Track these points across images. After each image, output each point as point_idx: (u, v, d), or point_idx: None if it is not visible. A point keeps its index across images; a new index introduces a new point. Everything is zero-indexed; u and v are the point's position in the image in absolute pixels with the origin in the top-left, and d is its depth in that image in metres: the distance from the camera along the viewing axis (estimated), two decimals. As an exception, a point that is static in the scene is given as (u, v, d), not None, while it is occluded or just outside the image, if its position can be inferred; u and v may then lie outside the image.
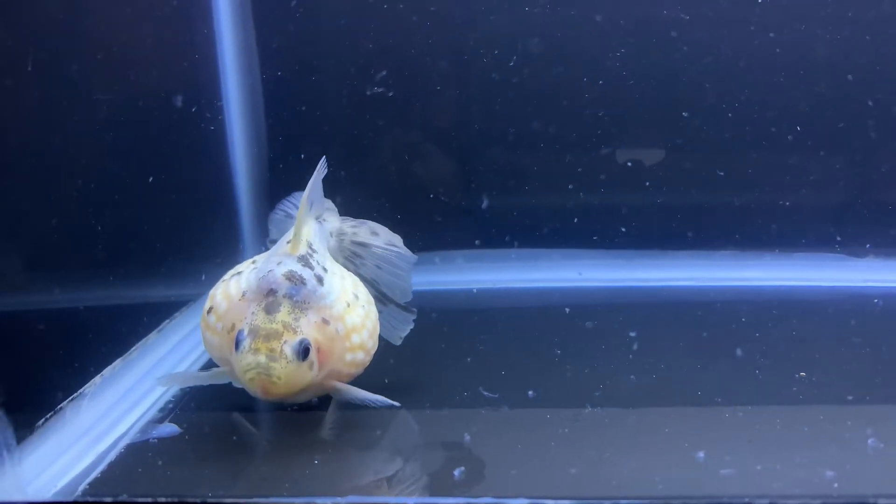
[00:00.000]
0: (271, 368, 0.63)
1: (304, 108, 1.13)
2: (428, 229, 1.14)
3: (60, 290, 0.75)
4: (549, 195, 1.15)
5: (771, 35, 1.08)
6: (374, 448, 0.68)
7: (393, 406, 0.70)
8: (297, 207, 0.78)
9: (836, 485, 0.58)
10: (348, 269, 0.77)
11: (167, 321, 0.91)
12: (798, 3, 1.08)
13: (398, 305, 0.81)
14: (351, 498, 0.58)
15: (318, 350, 0.66)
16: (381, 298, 0.80)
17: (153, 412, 0.75)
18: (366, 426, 0.71)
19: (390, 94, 1.10)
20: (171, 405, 0.77)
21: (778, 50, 1.08)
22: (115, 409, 0.75)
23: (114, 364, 0.79)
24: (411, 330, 0.81)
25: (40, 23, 0.73)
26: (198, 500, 0.59)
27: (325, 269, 0.71)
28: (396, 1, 1.08)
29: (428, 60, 1.11)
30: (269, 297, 0.66)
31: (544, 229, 1.14)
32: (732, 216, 1.13)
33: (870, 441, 0.64)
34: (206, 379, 0.72)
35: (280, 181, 1.14)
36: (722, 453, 0.63)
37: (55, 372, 0.71)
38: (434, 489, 0.61)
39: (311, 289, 0.67)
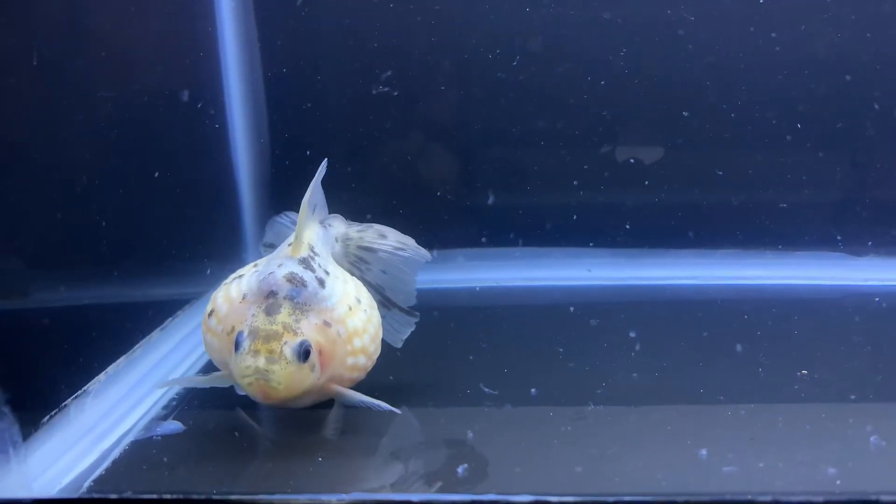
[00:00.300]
0: (270, 370, 0.62)
1: (306, 106, 1.13)
2: (430, 227, 1.14)
3: (64, 289, 0.75)
4: (551, 194, 1.15)
5: (773, 35, 1.08)
6: (377, 445, 0.68)
7: (395, 412, 0.69)
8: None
9: (838, 482, 0.59)
10: (353, 275, 0.76)
11: (170, 319, 0.91)
12: (800, 2, 1.08)
13: (401, 310, 0.80)
14: (355, 495, 0.59)
15: (320, 353, 0.65)
16: (385, 303, 0.80)
17: (157, 410, 0.75)
18: (369, 424, 0.71)
19: (395, 93, 1.10)
20: (174, 403, 0.77)
21: (778, 48, 1.08)
22: (119, 406, 0.76)
23: (117, 362, 0.79)
24: (416, 321, 0.81)
25: (43, 20, 0.73)
26: (203, 497, 0.59)
27: (326, 272, 0.70)
28: (398, -1, 1.09)
29: (430, 58, 1.11)
30: (269, 298, 0.66)
31: (547, 228, 1.14)
32: (734, 215, 1.14)
33: (872, 439, 0.65)
34: (207, 382, 0.72)
35: (282, 179, 1.14)
36: (724, 451, 0.64)
37: (59, 369, 0.71)
38: (437, 486, 0.61)
39: (313, 291, 0.67)
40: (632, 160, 1.12)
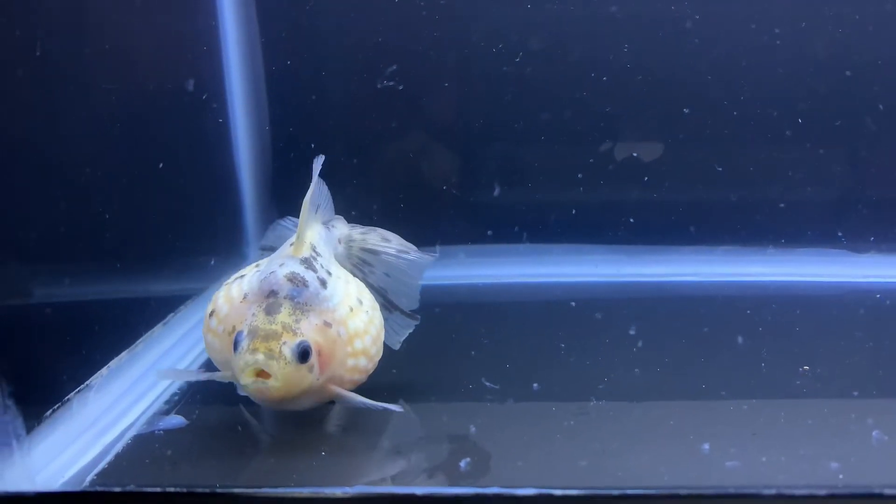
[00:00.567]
0: (269, 369, 0.62)
1: (308, 101, 1.13)
2: (432, 223, 1.14)
3: (67, 283, 0.75)
4: (552, 190, 1.15)
5: (776, 30, 1.08)
6: (380, 440, 0.68)
7: (397, 411, 0.69)
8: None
9: (841, 476, 0.59)
10: (356, 277, 0.75)
11: (172, 314, 0.91)
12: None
13: (403, 313, 0.80)
14: (358, 488, 0.59)
15: (319, 353, 0.65)
16: (387, 306, 0.79)
17: (159, 404, 0.75)
18: (371, 419, 0.71)
19: (397, 88, 1.10)
20: (176, 397, 0.77)
21: (780, 43, 1.08)
22: (122, 400, 0.76)
23: (120, 356, 0.79)
24: (416, 324, 0.81)
25: (45, 15, 0.73)
26: (206, 491, 0.59)
27: (328, 273, 0.70)
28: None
29: (433, 53, 1.11)
30: (269, 298, 0.65)
31: (548, 224, 1.14)
32: (736, 211, 1.14)
33: (874, 433, 0.65)
34: (206, 378, 0.71)
35: (284, 174, 1.14)
36: (727, 446, 0.64)
37: (62, 364, 0.71)
38: (440, 480, 0.61)
39: (314, 291, 0.67)
40: (635, 154, 1.12)
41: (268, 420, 0.74)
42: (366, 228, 0.82)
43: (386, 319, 0.76)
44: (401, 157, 1.14)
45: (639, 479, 0.60)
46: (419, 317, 0.80)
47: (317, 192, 0.74)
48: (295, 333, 0.64)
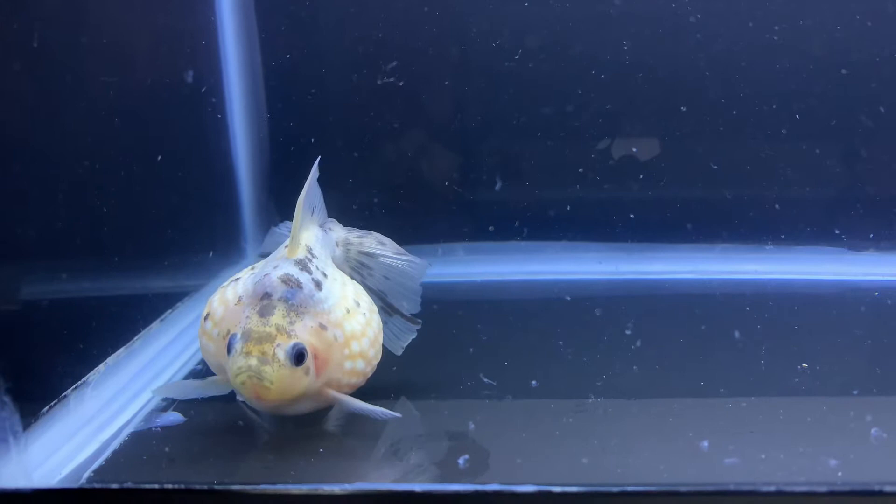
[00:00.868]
0: (262, 371, 0.61)
1: (306, 95, 1.12)
2: (430, 220, 1.14)
3: (64, 279, 0.75)
4: (550, 187, 1.14)
5: (774, 28, 1.08)
6: (378, 437, 0.68)
7: (395, 417, 0.68)
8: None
9: (840, 473, 0.59)
10: (354, 280, 0.75)
11: (169, 311, 0.91)
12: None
13: (404, 317, 0.79)
14: (357, 485, 0.58)
15: (315, 356, 0.64)
16: (387, 309, 0.78)
17: (157, 400, 0.75)
18: (370, 417, 0.70)
19: (397, 84, 1.09)
20: (174, 394, 0.77)
21: (778, 41, 1.08)
22: (119, 397, 0.76)
23: (117, 353, 0.79)
24: (418, 329, 0.80)
25: (43, 9, 0.73)
26: (204, 488, 0.59)
27: (324, 275, 0.69)
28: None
29: (432, 49, 1.11)
30: (263, 300, 0.65)
31: (546, 221, 1.14)
32: (734, 209, 1.13)
33: (873, 431, 0.65)
34: (203, 388, 0.70)
35: (282, 170, 1.14)
36: (726, 443, 0.64)
37: (59, 360, 0.71)
38: (439, 477, 0.61)
39: (308, 293, 0.66)
40: (634, 149, 1.12)
41: (266, 417, 0.74)
42: (362, 232, 0.82)
43: (386, 323, 0.75)
44: (400, 153, 1.14)
45: (638, 475, 0.60)
46: (420, 321, 0.80)
47: (312, 193, 0.73)
48: (289, 335, 0.63)
